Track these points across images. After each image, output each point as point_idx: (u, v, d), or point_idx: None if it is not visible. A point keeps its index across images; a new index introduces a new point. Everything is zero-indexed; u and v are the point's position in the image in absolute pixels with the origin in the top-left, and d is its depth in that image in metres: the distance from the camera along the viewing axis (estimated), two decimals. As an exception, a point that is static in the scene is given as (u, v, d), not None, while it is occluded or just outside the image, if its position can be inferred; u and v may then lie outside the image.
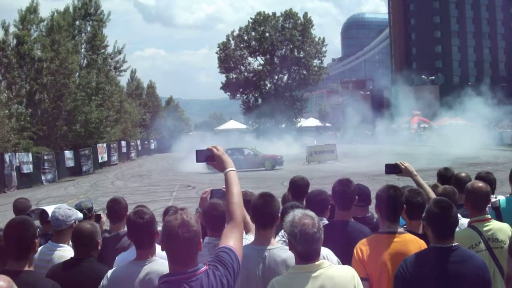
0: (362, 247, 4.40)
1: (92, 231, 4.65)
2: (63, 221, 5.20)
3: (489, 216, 5.04)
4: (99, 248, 4.73)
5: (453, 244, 3.93)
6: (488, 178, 6.38)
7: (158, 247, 4.79)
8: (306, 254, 3.59)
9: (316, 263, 3.61)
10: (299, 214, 3.63)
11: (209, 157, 3.66)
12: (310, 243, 3.55)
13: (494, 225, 4.90)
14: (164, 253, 4.59)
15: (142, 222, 4.16)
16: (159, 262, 4.15)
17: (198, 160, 3.69)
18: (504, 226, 4.96)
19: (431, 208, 4.03)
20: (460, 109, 62.56)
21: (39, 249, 4.94)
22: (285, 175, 29.48)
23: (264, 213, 4.05)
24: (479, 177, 6.33)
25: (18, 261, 3.92)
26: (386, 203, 4.47)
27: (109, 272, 4.11)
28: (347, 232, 4.85)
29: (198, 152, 3.67)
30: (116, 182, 35.95)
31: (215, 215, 4.72)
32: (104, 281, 4.06)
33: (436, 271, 3.80)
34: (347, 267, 3.81)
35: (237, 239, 3.40)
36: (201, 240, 3.15)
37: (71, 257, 4.71)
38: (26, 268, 3.92)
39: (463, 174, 6.63)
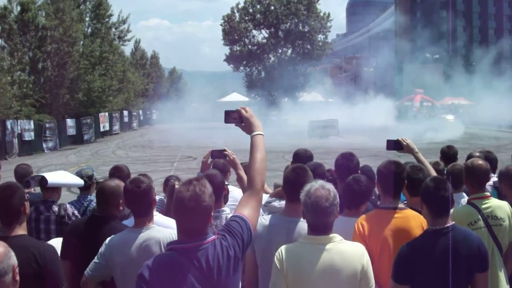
0: (363, 222, 4.38)
1: (116, 190, 4.62)
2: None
3: (489, 194, 5.04)
4: (121, 208, 4.71)
5: (449, 224, 3.88)
6: (489, 157, 6.41)
7: (159, 216, 4.85)
8: (316, 226, 3.60)
9: (327, 236, 3.60)
10: (316, 186, 3.61)
11: (237, 119, 3.61)
12: (320, 215, 3.55)
13: (494, 203, 4.91)
14: (162, 221, 4.65)
15: (139, 190, 4.15)
16: (157, 229, 4.18)
17: (226, 121, 3.62)
18: (503, 203, 4.97)
19: (427, 184, 3.98)
20: (464, 88, 62.35)
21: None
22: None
23: (296, 186, 3.91)
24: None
25: (6, 226, 3.90)
26: (387, 178, 4.44)
27: (108, 239, 4.13)
28: (349, 206, 4.80)
29: (227, 113, 3.62)
30: (117, 151, 36.05)
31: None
32: (102, 249, 4.08)
33: (435, 255, 3.79)
34: (357, 244, 3.79)
35: (253, 208, 3.29)
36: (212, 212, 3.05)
37: (93, 214, 4.75)
38: (19, 233, 3.87)
39: (477, 154, 6.61)
